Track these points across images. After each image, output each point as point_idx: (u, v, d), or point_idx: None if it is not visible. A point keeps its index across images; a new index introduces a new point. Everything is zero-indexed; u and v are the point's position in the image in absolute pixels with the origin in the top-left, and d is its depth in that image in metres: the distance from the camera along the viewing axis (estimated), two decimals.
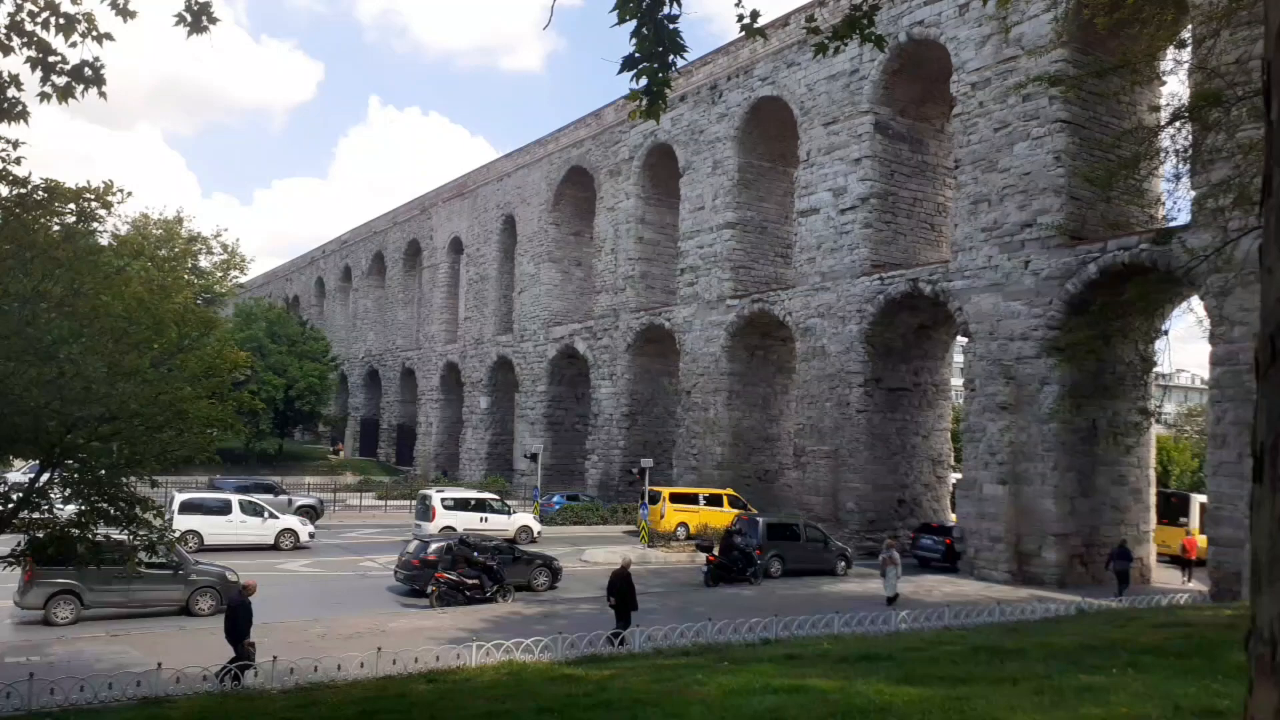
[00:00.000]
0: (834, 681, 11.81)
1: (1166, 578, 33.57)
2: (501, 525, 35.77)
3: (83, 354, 13.44)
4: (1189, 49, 22.52)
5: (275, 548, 32.85)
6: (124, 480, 14.11)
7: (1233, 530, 24.74)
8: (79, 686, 13.29)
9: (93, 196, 12.91)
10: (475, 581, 24.46)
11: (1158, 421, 37.22)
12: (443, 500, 36.15)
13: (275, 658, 14.86)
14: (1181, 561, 34.44)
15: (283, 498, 40.38)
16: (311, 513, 39.66)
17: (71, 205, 12.90)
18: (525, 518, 38.04)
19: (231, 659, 15.21)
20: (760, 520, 31.85)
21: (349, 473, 66.40)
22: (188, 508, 31.63)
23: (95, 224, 13.65)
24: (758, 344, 44.42)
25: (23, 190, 12.24)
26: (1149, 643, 14.64)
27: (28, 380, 12.25)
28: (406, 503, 50.01)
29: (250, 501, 34.04)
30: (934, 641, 16.07)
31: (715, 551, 30.09)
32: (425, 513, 35.55)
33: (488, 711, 11.45)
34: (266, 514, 33.62)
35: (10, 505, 13.55)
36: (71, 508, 14.21)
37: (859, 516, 36.50)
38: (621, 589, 19.37)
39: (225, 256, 77.14)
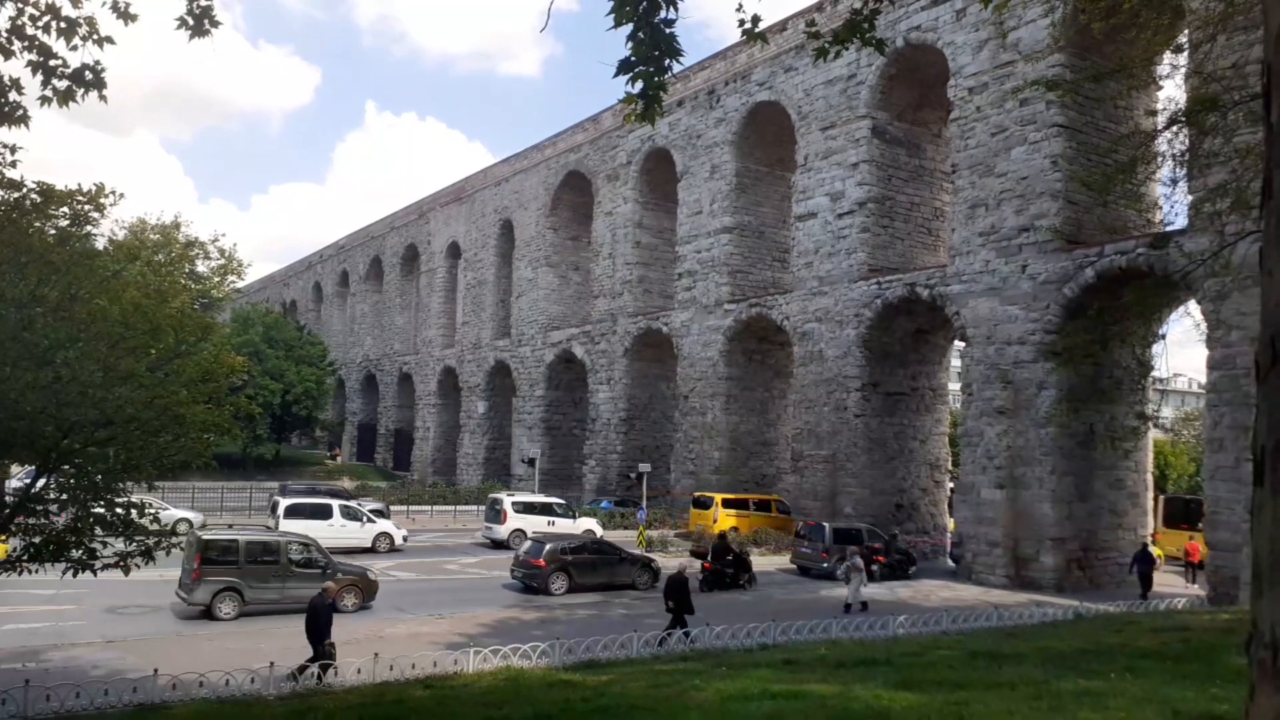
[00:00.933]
0: (832, 687, 11.79)
1: (1170, 581, 33.66)
2: (568, 528, 36.48)
3: (79, 358, 13.40)
4: (1185, 54, 22.55)
5: (372, 550, 33.73)
6: (120, 485, 14.07)
7: (1230, 534, 24.74)
8: (75, 693, 13.24)
9: (85, 199, 12.89)
10: (732, 571, 28.40)
11: (1155, 426, 37.26)
12: (513, 504, 37.69)
13: (272, 664, 14.81)
14: (1186, 565, 34.76)
15: (351, 503, 40.67)
16: (380, 516, 39.77)
17: (64, 209, 12.88)
18: (589, 522, 38.89)
19: (310, 657, 15.79)
20: (826, 526, 32.88)
21: (346, 478, 66.30)
22: (292, 512, 32.84)
23: (89, 227, 13.61)
24: (755, 348, 44.43)
25: (18, 194, 12.23)
26: (1147, 647, 14.63)
27: (24, 385, 12.21)
28: (405, 509, 49.90)
29: (349, 506, 35.26)
30: (931, 646, 16.05)
31: (885, 554, 31.97)
32: (496, 516, 37.23)
33: (485, 718, 11.42)
34: (365, 518, 34.68)
35: (6, 510, 13.51)
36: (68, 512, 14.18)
37: (857, 521, 36.46)
38: (678, 593, 20.12)
39: (223, 261, 77.12)
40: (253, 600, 22.33)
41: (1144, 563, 29.42)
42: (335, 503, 34.94)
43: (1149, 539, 32.33)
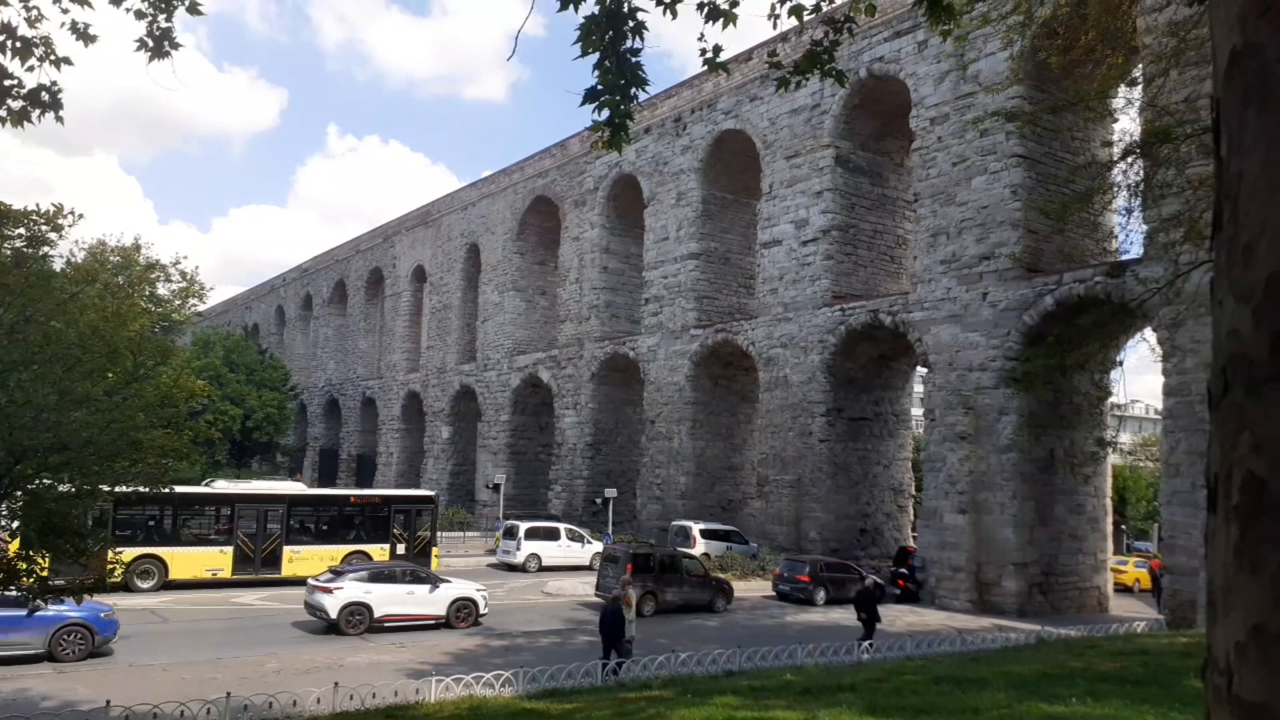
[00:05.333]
0: (798, 713, 11.76)
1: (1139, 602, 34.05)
2: (743, 551, 39.07)
3: (33, 381, 13.13)
4: (1140, 87, 23.16)
5: (589, 568, 36.73)
6: (74, 512, 13.75)
7: (1187, 558, 25.11)
8: None
9: (42, 220, 12.69)
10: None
11: (1114, 451, 37.85)
12: (701, 531, 39.74)
13: (229, 694, 14.49)
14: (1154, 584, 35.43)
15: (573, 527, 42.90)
16: (582, 540, 41.36)
17: (21, 229, 12.66)
18: (754, 547, 40.61)
19: (613, 656, 18.25)
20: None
21: None
22: (531, 534, 37.99)
23: (46, 248, 13.39)
24: (721, 373, 44.58)
25: None
26: (1107, 671, 14.77)
27: None
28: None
29: (572, 529, 39.83)
30: (896, 671, 16.07)
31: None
32: (686, 541, 39.10)
33: None
34: (585, 541, 38.90)
35: None
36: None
37: (822, 545, 36.57)
38: (868, 603, 22.77)
39: (184, 284, 76.01)
40: (663, 601, 27.80)
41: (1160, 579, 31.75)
42: (562, 526, 39.88)
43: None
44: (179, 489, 34.32)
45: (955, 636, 21.76)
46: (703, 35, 8.03)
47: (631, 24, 7.42)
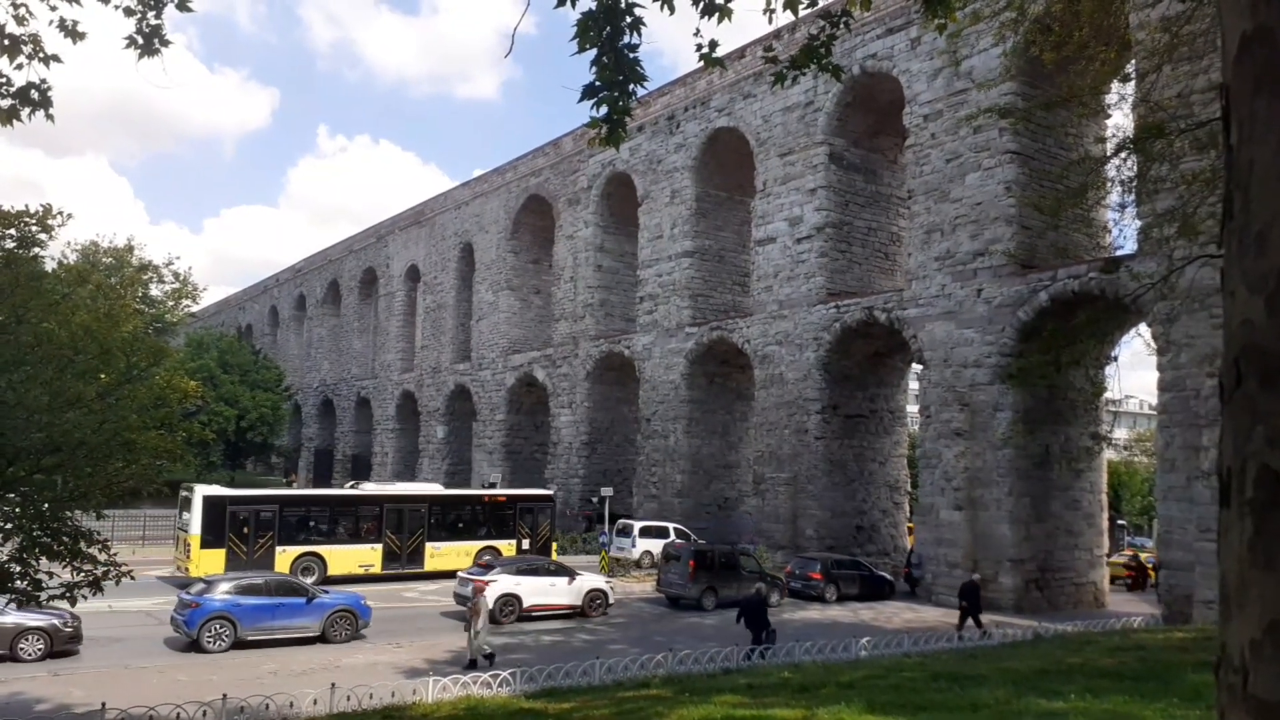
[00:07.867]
0: (796, 711, 11.74)
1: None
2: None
3: (24, 382, 13.05)
4: (1132, 83, 23.16)
5: None
6: (68, 514, 13.67)
7: (1182, 553, 25.10)
8: None
9: (32, 220, 12.61)
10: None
11: (1109, 446, 37.88)
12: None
13: (225, 696, 14.44)
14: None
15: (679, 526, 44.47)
16: (689, 538, 42.18)
17: (11, 230, 12.60)
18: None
19: (752, 644, 19.76)
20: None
21: None
22: (645, 533, 39.35)
23: (37, 248, 13.31)
24: (717, 371, 44.55)
25: None
26: (1105, 666, 14.77)
27: None
28: None
29: (681, 528, 40.49)
30: (894, 668, 16.07)
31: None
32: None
33: None
34: (692, 538, 39.10)
35: None
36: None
37: (818, 543, 36.56)
38: (971, 595, 25.13)
39: (177, 285, 75.84)
40: (722, 596, 28.74)
41: None
42: (671, 526, 40.47)
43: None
44: (335, 491, 37.37)
45: (952, 633, 21.75)
46: (698, 30, 8.00)
47: (629, 19, 7.39)
